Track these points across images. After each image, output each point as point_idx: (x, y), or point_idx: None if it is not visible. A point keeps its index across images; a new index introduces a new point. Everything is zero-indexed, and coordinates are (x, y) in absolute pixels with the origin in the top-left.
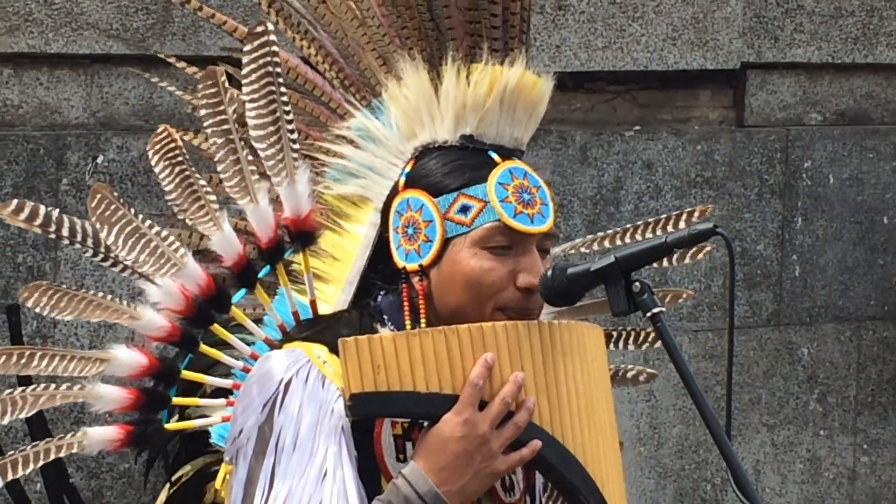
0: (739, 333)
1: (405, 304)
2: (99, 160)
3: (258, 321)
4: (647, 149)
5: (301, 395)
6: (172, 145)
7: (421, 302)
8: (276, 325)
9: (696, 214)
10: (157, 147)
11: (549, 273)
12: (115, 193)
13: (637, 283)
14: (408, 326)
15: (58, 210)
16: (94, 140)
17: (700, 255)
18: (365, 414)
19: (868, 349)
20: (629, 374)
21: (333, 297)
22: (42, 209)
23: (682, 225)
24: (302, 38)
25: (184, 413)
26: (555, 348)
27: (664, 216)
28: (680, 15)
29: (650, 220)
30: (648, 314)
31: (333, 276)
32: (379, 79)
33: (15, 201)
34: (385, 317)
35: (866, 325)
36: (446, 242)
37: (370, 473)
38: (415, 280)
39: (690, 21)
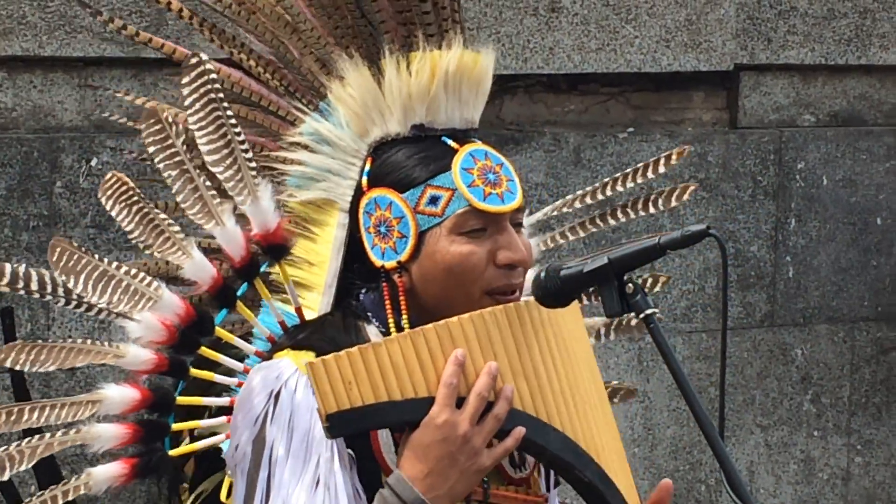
0: (733, 334)
1: (387, 301)
2: (93, 163)
3: (248, 335)
4: (640, 150)
5: (291, 405)
6: (124, 188)
7: (402, 297)
8: (265, 338)
9: (674, 157)
10: (109, 192)
11: (542, 274)
12: (75, 243)
13: (630, 285)
14: (391, 323)
15: (24, 265)
16: (87, 143)
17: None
18: (344, 432)
19: (861, 350)
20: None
21: (317, 302)
22: (8, 268)
23: (649, 174)
24: (239, 50)
25: (194, 435)
26: (525, 328)
27: (641, 164)
28: (673, 17)
29: (628, 171)
30: (641, 315)
31: (313, 282)
32: (322, 81)
33: None
34: (369, 314)
35: (860, 326)
36: (421, 236)
37: (371, 473)
38: (395, 277)
39: (684, 23)
